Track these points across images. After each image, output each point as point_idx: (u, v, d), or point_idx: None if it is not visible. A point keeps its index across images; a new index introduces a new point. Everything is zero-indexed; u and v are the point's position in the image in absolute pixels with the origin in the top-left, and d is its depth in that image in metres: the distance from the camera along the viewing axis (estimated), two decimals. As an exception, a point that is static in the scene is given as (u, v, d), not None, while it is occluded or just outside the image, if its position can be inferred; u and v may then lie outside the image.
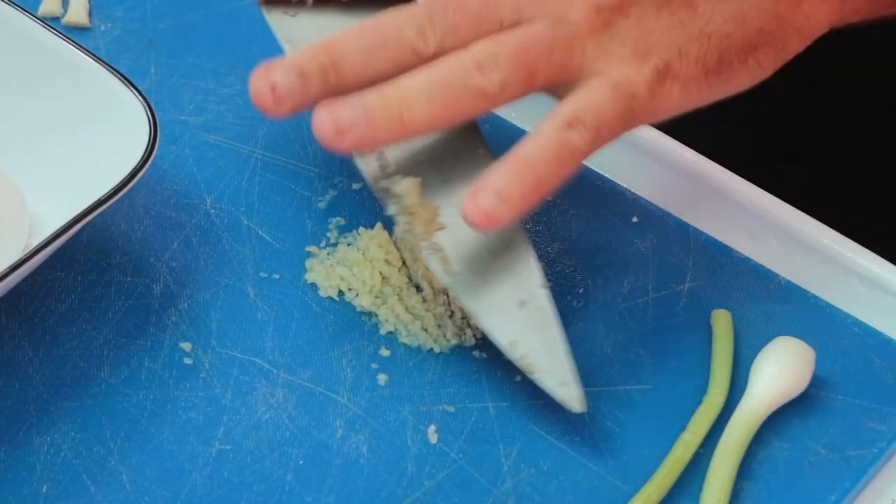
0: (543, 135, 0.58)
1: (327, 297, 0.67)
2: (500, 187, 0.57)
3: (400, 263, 0.67)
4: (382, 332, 0.66)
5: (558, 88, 0.59)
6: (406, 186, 0.61)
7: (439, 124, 0.59)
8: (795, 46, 0.61)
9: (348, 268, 0.67)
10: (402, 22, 0.59)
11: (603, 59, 0.58)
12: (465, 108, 0.58)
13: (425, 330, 0.66)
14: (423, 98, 0.58)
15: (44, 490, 0.60)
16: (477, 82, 0.58)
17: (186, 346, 0.64)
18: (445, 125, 0.59)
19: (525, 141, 0.58)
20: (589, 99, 0.58)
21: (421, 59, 0.59)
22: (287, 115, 0.59)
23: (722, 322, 0.66)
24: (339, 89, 0.59)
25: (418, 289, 0.67)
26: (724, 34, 0.59)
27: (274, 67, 0.59)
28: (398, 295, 0.66)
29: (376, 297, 0.66)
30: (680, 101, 0.60)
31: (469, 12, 0.59)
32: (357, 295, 0.66)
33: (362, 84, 0.59)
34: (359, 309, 0.66)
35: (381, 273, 0.67)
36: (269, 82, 0.59)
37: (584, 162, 0.59)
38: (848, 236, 0.69)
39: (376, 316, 0.66)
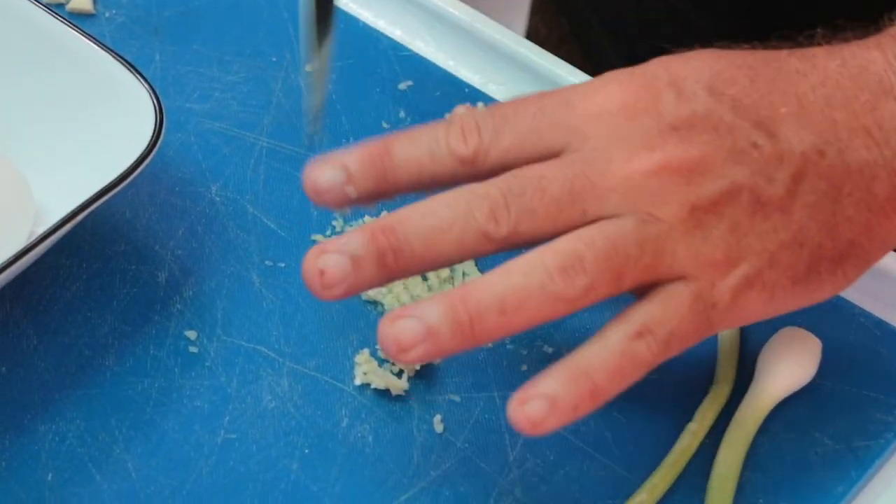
0: (608, 342, 0.54)
1: (333, 286, 0.66)
2: (553, 394, 0.53)
3: (406, 252, 0.67)
4: (388, 321, 0.66)
5: (640, 288, 0.55)
6: None
7: (513, 332, 0.54)
8: (879, 256, 0.58)
9: (354, 256, 0.67)
10: (474, 203, 0.54)
11: (692, 263, 0.54)
12: (542, 314, 0.53)
13: (431, 319, 0.66)
14: (495, 309, 0.53)
15: (49, 478, 0.60)
16: (559, 288, 0.53)
17: (192, 334, 0.64)
18: (519, 332, 0.54)
19: (587, 345, 0.54)
20: (666, 308, 0.54)
21: (490, 243, 0.54)
22: (340, 298, 0.55)
23: (728, 312, 0.66)
24: (397, 273, 0.55)
25: (424, 277, 0.66)
26: (817, 244, 0.55)
27: (327, 250, 0.54)
28: (404, 284, 0.66)
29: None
30: (762, 310, 0.56)
31: (550, 199, 0.54)
32: (363, 284, 0.66)
33: (422, 266, 0.55)
34: (364, 298, 0.66)
35: (386, 262, 0.67)
36: (318, 267, 0.54)
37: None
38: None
39: (382, 305, 0.66)
